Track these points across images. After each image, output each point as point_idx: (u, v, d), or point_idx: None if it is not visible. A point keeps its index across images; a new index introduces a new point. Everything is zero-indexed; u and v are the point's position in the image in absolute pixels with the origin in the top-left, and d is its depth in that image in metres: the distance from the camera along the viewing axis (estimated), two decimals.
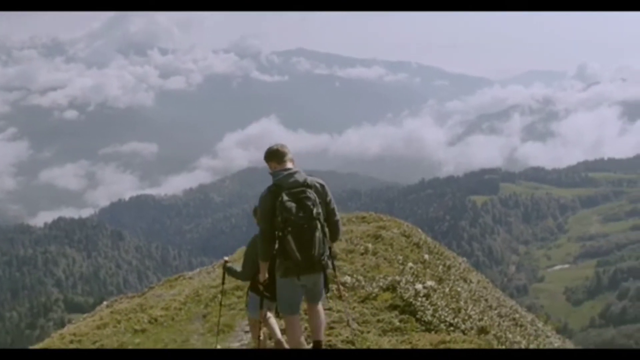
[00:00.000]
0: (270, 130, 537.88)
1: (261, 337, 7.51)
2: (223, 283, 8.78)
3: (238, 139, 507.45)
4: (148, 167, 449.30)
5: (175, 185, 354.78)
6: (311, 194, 6.10)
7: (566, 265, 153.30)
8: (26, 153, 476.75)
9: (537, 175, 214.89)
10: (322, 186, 6.32)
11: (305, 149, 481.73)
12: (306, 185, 6.14)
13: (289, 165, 6.36)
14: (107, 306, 16.15)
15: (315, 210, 6.05)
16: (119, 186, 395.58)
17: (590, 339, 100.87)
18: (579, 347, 20.29)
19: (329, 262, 6.41)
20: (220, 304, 9.25)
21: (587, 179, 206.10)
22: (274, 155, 6.39)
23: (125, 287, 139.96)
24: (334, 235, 6.52)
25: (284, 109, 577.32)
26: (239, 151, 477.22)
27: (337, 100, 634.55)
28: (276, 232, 6.05)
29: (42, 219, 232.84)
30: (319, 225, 6.08)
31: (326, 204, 6.30)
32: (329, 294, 7.12)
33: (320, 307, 6.64)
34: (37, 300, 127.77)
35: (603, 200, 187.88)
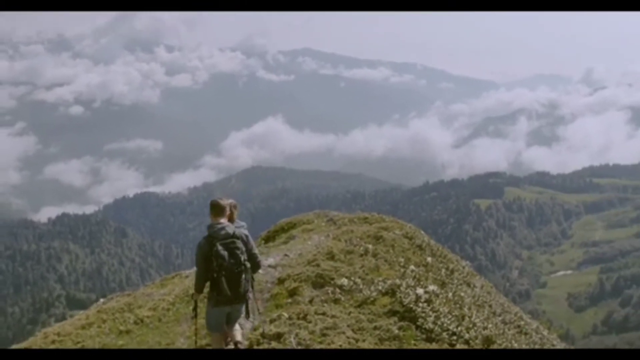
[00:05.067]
0: (275, 130, 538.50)
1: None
2: (195, 315, 8.76)
3: (243, 138, 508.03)
4: (153, 164, 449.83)
5: (179, 183, 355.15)
6: (240, 244, 7.74)
7: (569, 271, 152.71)
8: (33, 148, 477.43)
9: (542, 179, 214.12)
10: (247, 236, 8.00)
11: (311, 148, 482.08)
12: (235, 236, 7.74)
13: (222, 220, 7.87)
14: (104, 303, 15.66)
15: (242, 258, 7.72)
16: (124, 183, 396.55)
17: (592, 345, 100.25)
18: None
19: (250, 295, 8.16)
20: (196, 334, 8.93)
21: (592, 184, 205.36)
22: (214, 209, 7.93)
23: (127, 285, 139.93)
24: (255, 269, 8.22)
25: (289, 109, 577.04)
26: (244, 150, 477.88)
27: (343, 100, 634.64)
28: (212, 274, 7.62)
29: (46, 214, 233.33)
30: (244, 269, 7.73)
31: (249, 250, 7.93)
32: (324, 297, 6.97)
33: (237, 326, 8.39)
34: (39, 296, 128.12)
35: (608, 206, 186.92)
